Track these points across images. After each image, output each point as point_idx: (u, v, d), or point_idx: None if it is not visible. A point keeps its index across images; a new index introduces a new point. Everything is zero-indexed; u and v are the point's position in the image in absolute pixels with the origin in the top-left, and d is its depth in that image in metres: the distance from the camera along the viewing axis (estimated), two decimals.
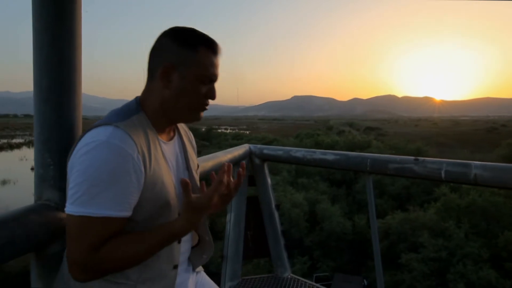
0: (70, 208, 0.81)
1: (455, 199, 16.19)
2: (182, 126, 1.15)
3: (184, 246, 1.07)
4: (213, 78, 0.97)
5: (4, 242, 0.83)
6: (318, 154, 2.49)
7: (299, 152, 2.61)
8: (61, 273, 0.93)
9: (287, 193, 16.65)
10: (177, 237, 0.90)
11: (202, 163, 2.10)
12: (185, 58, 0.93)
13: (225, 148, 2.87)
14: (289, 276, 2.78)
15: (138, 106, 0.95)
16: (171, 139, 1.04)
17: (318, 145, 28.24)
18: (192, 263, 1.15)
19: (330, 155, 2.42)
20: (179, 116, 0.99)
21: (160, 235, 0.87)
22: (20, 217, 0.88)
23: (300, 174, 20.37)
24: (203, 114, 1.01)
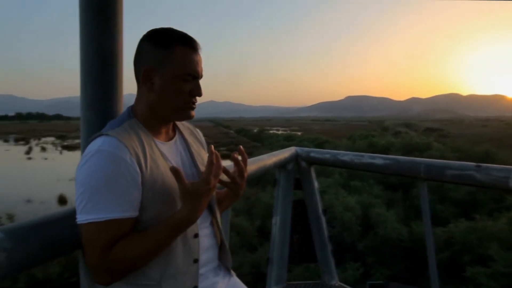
0: (79, 218, 0.86)
1: None
2: (184, 124, 1.15)
3: (204, 242, 1.04)
4: (194, 74, 0.97)
5: (53, 240, 0.90)
6: (367, 158, 2.38)
7: (346, 155, 2.52)
8: None
9: (339, 196, 16.18)
10: (182, 227, 0.90)
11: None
12: (162, 58, 0.95)
13: (277, 149, 2.85)
14: (337, 284, 2.69)
15: (130, 113, 0.99)
16: (170, 139, 1.05)
17: (372, 146, 27.01)
18: (223, 263, 1.14)
19: (379, 159, 2.30)
20: (168, 117, 1.01)
21: (164, 227, 0.89)
22: (67, 218, 0.94)
23: (353, 177, 19.70)
24: (193, 112, 1.00)
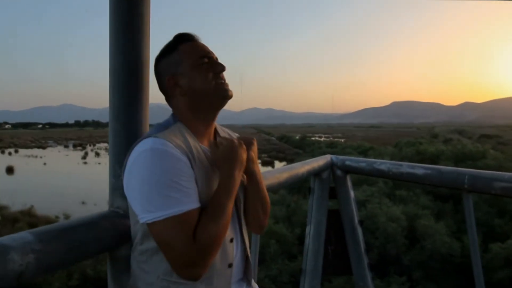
0: (152, 215, 0.86)
1: None
2: (224, 131, 1.18)
3: (238, 251, 1.05)
4: (207, 55, 1.02)
5: (81, 242, 0.95)
6: (405, 167, 2.26)
7: (383, 164, 2.41)
8: (132, 276, 1.00)
9: (383, 205, 15.51)
10: (230, 190, 0.95)
11: (277, 174, 2.10)
12: (175, 62, 1.02)
13: (319, 156, 2.80)
14: None
15: (175, 118, 1.03)
16: None
17: (419, 154, 25.59)
18: (247, 274, 1.12)
19: (419, 169, 2.17)
20: (208, 104, 1.02)
21: (219, 197, 0.93)
22: (94, 222, 1.00)
23: (399, 186, 18.82)
24: (229, 89, 1.03)
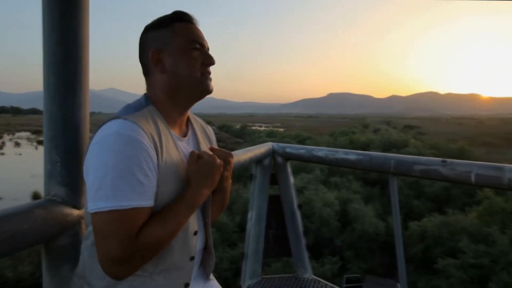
0: (97, 205, 0.79)
1: (500, 202, 15.20)
2: (197, 120, 1.13)
3: (199, 244, 1.02)
4: (199, 41, 0.96)
5: (12, 234, 0.87)
6: (340, 153, 2.43)
7: (321, 151, 2.56)
8: (81, 264, 0.94)
9: (319, 191, 16.44)
10: (195, 203, 0.91)
11: None
12: (165, 37, 0.94)
13: None
14: (310, 277, 2.74)
15: (147, 100, 0.95)
16: (185, 135, 1.03)
17: (352, 143, 27.52)
18: (204, 268, 1.11)
19: (352, 155, 2.35)
20: (187, 92, 0.96)
21: (180, 206, 0.89)
22: (28, 212, 0.92)
23: (334, 173, 20.04)
24: (212, 84, 0.98)
